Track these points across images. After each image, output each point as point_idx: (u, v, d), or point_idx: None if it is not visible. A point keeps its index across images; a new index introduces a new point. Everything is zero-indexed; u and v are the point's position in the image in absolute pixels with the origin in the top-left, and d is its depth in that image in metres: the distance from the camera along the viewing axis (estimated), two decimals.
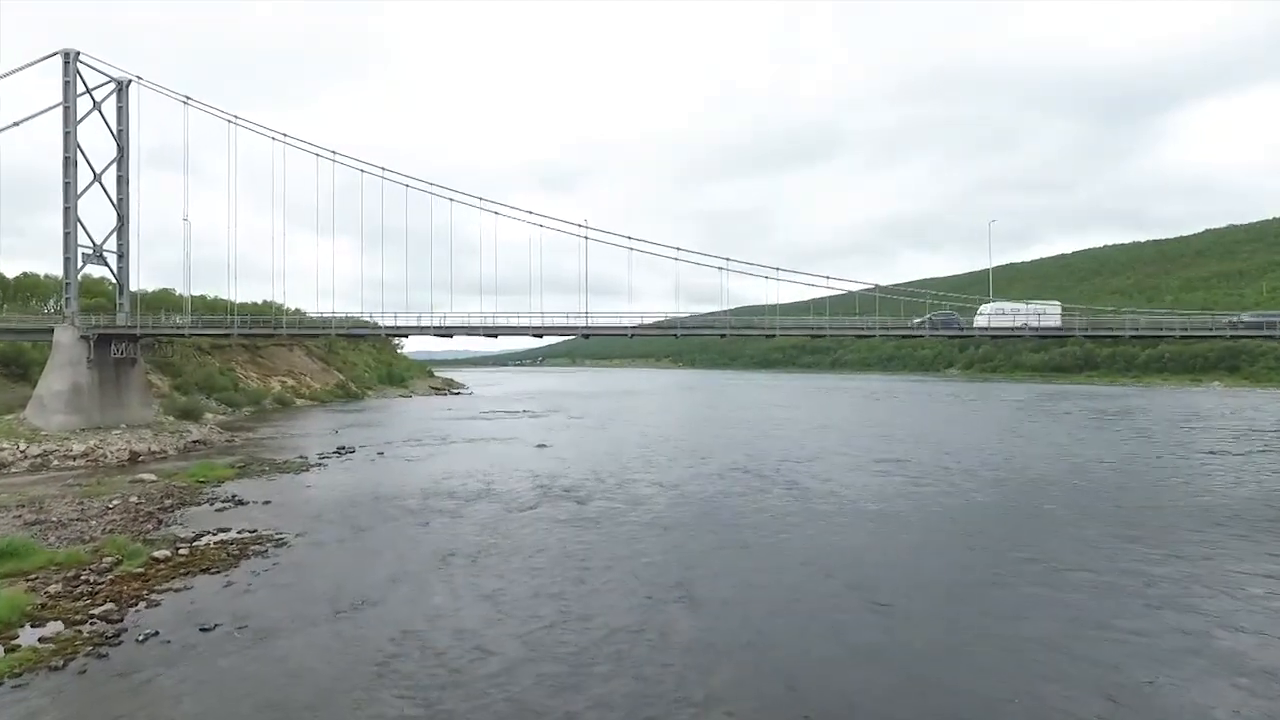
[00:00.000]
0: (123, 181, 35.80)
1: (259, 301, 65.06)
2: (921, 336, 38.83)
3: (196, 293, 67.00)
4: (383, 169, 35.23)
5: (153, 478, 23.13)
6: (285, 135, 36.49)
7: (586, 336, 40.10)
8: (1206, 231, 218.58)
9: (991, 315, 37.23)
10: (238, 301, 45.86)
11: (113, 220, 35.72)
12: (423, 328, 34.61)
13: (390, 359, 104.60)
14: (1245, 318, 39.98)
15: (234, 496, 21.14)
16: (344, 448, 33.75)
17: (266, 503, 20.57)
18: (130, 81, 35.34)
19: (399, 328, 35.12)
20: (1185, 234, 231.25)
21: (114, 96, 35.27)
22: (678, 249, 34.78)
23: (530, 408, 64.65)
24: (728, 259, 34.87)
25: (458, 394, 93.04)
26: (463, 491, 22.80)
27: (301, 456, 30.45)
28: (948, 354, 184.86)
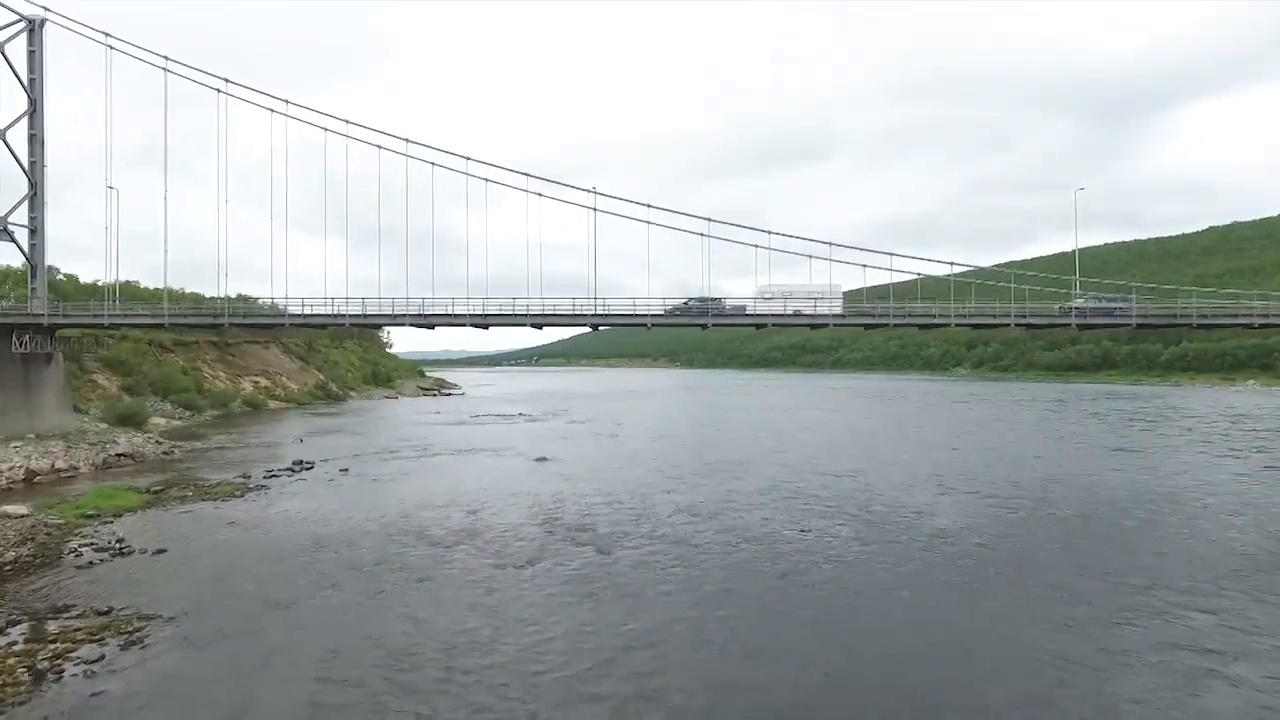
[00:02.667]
0: (36, 142, 29.78)
1: (251, 298, 58.96)
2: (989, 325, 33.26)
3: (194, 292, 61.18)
4: (345, 121, 29.31)
5: (22, 511, 17.16)
6: (285, 101, 30.60)
7: (596, 328, 34.30)
8: (1210, 229, 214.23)
9: (759, 297, 33.57)
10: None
11: (23, 188, 29.71)
12: (396, 317, 28.73)
13: (377, 358, 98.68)
14: (1079, 303, 34.25)
15: (119, 542, 15.21)
16: (302, 462, 27.82)
17: (160, 552, 14.68)
18: (44, 20, 29.32)
19: (369, 316, 29.20)
20: (1188, 231, 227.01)
21: (24, 38, 29.27)
22: (708, 219, 28.97)
23: (527, 411, 58.74)
24: (770, 232, 29.05)
25: (449, 395, 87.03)
26: (438, 532, 16.92)
27: (244, 475, 24.51)
28: (955, 353, 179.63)
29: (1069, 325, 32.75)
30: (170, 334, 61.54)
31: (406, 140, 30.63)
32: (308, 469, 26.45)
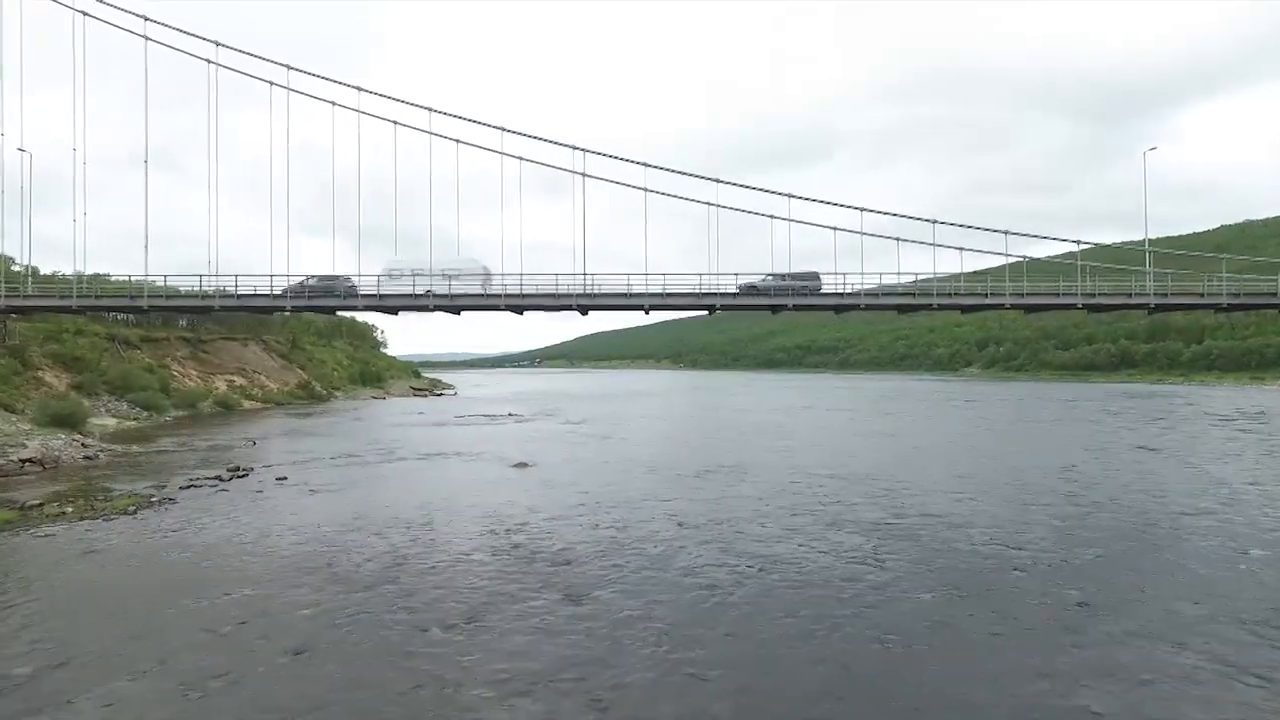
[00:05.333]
0: None
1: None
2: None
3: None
4: (287, 68, 25.39)
5: None
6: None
7: (584, 311, 30.32)
8: (1222, 227, 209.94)
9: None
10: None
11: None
12: (348, 301, 24.77)
13: (368, 357, 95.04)
14: (757, 280, 30.44)
15: None
16: (240, 469, 23.89)
17: None
18: None
19: (314, 300, 25.23)
20: (1200, 230, 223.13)
21: None
22: (717, 180, 25.06)
23: (518, 411, 54.73)
24: (789, 195, 25.10)
25: (440, 395, 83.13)
26: (358, 562, 12.95)
27: (159, 486, 20.59)
28: (965, 353, 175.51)
29: (1146, 306, 29.08)
30: (138, 329, 57.97)
31: (396, 124, 26.97)
32: (240, 477, 22.50)
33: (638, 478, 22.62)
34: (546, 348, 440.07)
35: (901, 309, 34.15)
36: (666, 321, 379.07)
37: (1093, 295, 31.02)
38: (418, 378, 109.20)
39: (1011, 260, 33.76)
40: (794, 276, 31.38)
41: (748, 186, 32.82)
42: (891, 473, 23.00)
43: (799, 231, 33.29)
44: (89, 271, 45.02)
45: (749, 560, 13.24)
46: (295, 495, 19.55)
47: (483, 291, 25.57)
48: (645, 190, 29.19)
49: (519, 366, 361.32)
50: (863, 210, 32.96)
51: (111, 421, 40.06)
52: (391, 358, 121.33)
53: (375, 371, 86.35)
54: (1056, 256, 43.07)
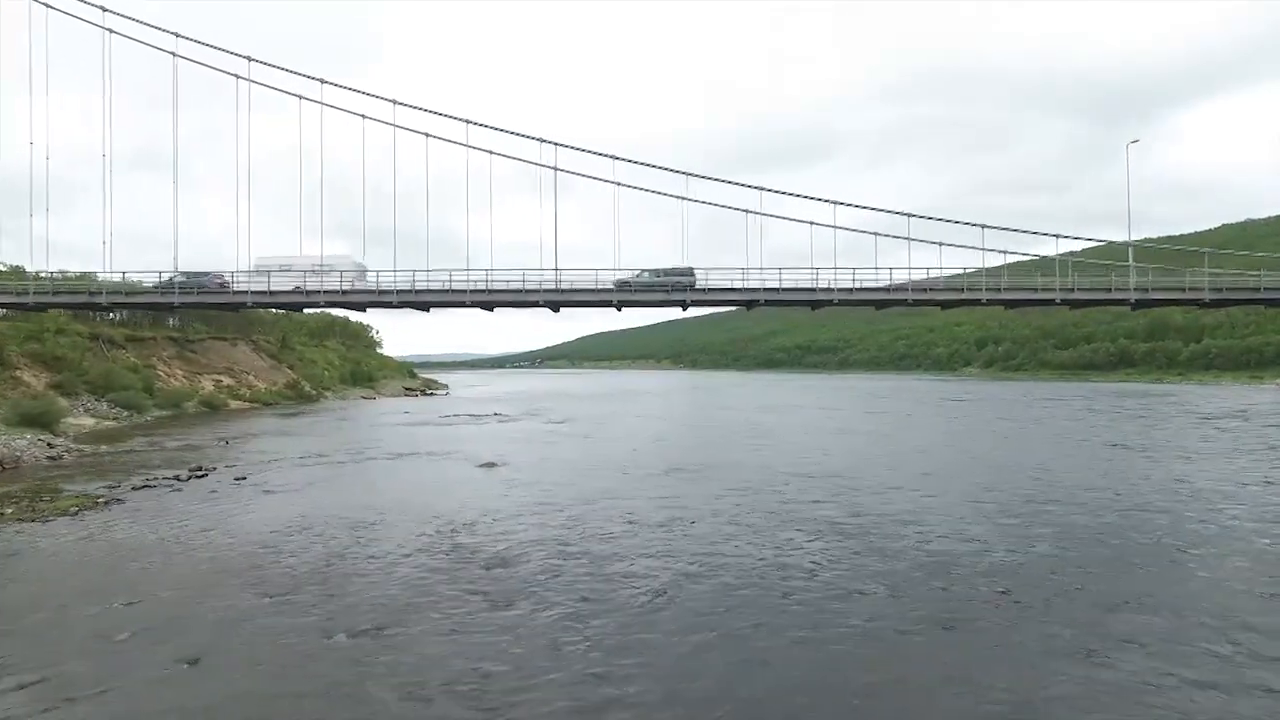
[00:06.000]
0: None
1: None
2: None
3: None
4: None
5: None
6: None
7: (555, 308, 29.90)
8: (1224, 226, 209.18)
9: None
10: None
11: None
12: (311, 296, 24.36)
13: (360, 357, 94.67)
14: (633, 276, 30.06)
15: None
16: (202, 469, 23.57)
17: None
18: None
19: (275, 294, 24.86)
20: (1200, 230, 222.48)
21: None
22: (703, 176, 24.75)
23: (505, 410, 54.40)
24: (779, 191, 24.74)
25: (431, 395, 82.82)
26: (292, 570, 12.59)
27: (113, 486, 20.27)
28: (964, 353, 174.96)
29: (1126, 303, 28.69)
30: (123, 329, 57.77)
31: (394, 124, 26.62)
32: (199, 477, 22.15)
33: (602, 477, 22.23)
34: (548, 348, 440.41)
35: (878, 304, 33.71)
36: (667, 322, 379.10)
37: (1071, 291, 30.65)
38: (412, 378, 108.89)
39: (1012, 259, 33.51)
40: (667, 273, 31.09)
41: (739, 184, 32.67)
42: (858, 471, 22.59)
43: (796, 230, 33.25)
44: (85, 271, 44.72)
45: (690, 560, 12.86)
46: (248, 496, 19.19)
47: (410, 287, 25.24)
48: (616, 184, 28.84)
49: (519, 367, 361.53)
50: (862, 207, 32.94)
51: (89, 421, 39.78)
52: (387, 358, 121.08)
53: (367, 371, 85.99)
54: (1062, 255, 42.53)
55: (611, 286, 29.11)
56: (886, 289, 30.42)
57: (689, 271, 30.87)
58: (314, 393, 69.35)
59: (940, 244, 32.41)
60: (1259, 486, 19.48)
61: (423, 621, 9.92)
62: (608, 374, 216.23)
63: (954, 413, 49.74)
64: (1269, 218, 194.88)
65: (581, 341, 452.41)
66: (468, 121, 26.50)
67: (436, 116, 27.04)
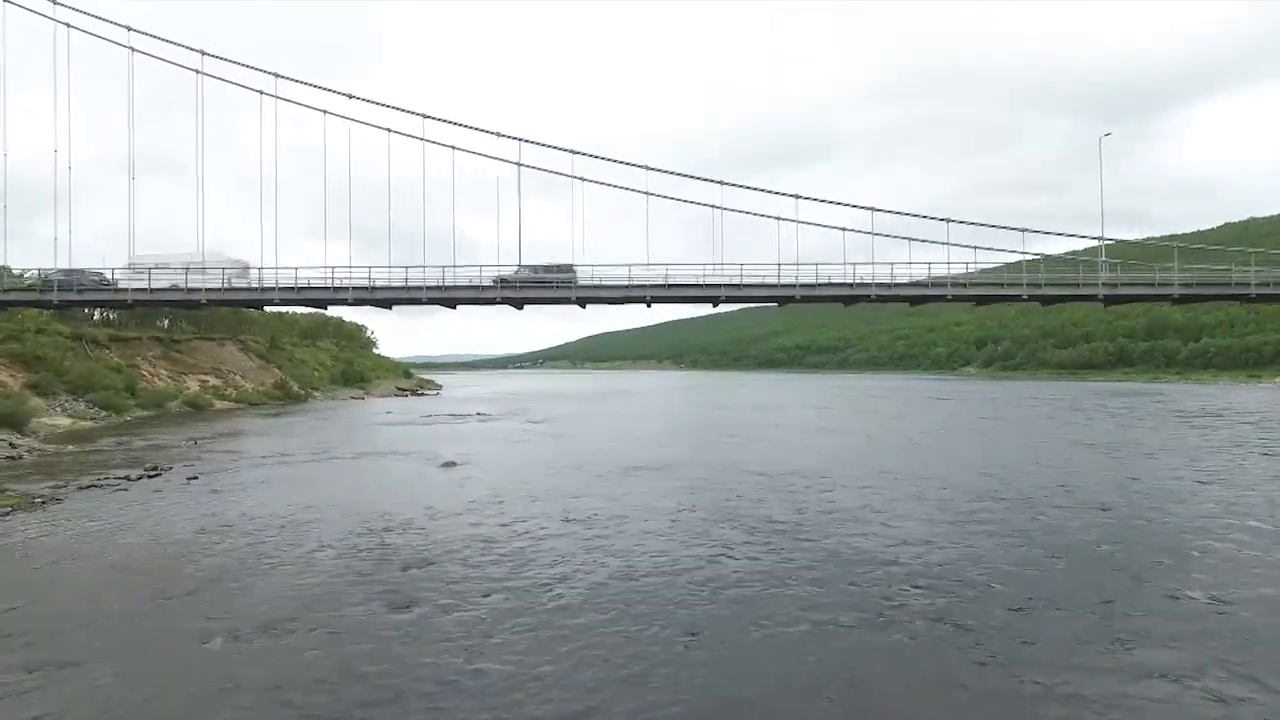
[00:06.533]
0: None
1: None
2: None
3: None
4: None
5: None
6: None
7: (520, 306, 29.68)
8: (1225, 225, 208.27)
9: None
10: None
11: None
12: (234, 292, 24.07)
13: (352, 357, 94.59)
14: (508, 273, 30.09)
15: None
16: (158, 469, 23.36)
17: None
18: None
19: (218, 290, 24.61)
20: (1202, 229, 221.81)
21: None
22: (721, 182, 24.62)
23: (488, 410, 54.19)
24: (795, 195, 24.66)
25: (422, 395, 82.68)
26: (201, 571, 12.36)
27: (60, 486, 20.04)
28: (964, 353, 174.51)
29: (1094, 298, 28.39)
30: (108, 329, 57.74)
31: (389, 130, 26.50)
32: (151, 477, 21.93)
33: (559, 476, 21.95)
34: (550, 349, 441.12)
35: (913, 300, 33.84)
36: (668, 322, 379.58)
37: (1039, 286, 30.39)
38: (407, 378, 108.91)
39: (1012, 259, 33.58)
40: (546, 269, 31.10)
41: (750, 187, 33.32)
42: (817, 469, 22.26)
43: (805, 230, 33.65)
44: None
45: (621, 559, 12.56)
46: (192, 496, 18.95)
47: (310, 285, 25.16)
48: (611, 187, 28.93)
49: (521, 367, 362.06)
50: (872, 209, 33.12)
51: (65, 421, 39.65)
52: (383, 358, 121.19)
53: (359, 372, 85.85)
54: (1063, 254, 42.39)
55: (491, 283, 29.27)
56: (925, 284, 30.44)
57: (569, 268, 31.00)
58: (302, 393, 69.25)
59: (911, 240, 32.32)
60: (1205, 482, 19.10)
61: (312, 622, 9.65)
62: (607, 374, 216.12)
63: (936, 412, 49.37)
64: (1271, 216, 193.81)
65: (584, 342, 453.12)
66: (498, 134, 26.85)
67: (465, 129, 27.45)
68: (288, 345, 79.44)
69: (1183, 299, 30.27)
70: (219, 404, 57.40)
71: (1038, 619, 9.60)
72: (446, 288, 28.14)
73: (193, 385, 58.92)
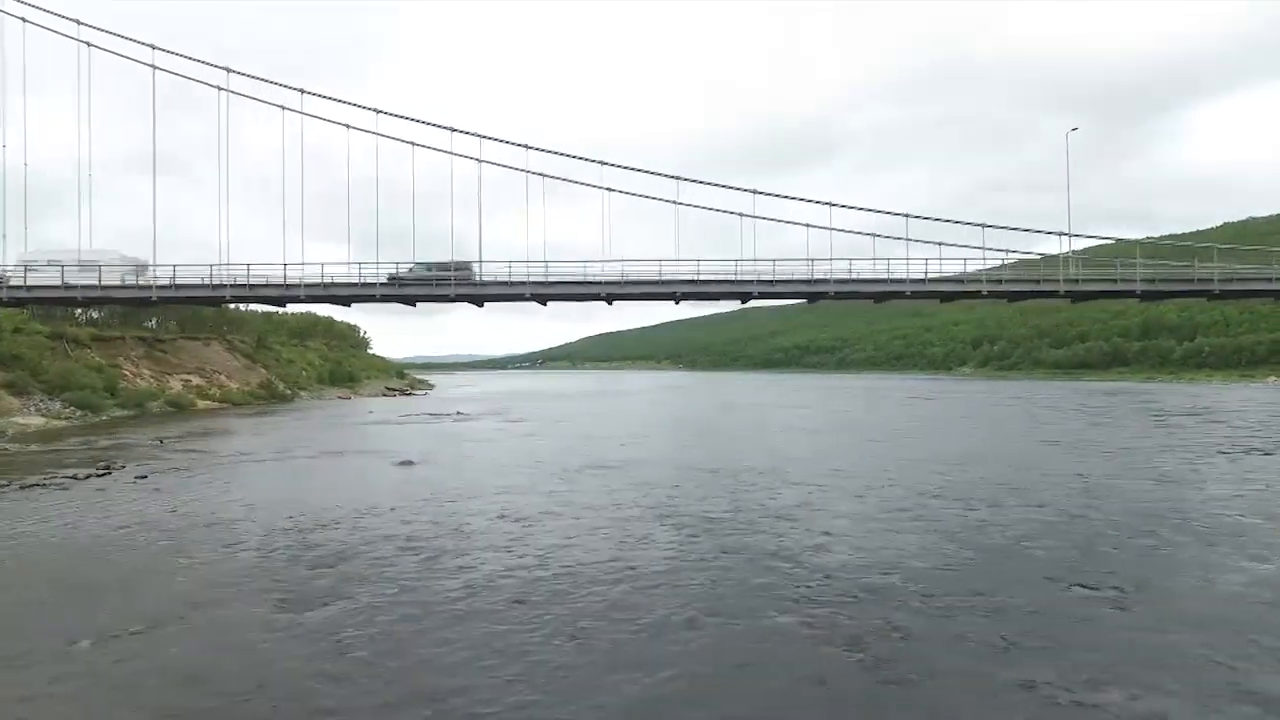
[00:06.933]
0: None
1: None
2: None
3: None
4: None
5: None
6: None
7: (479, 303, 29.58)
8: (1225, 225, 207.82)
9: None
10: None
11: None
12: (139, 290, 23.86)
13: (342, 357, 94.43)
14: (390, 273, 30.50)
15: None
16: (109, 467, 23.21)
17: None
18: None
19: (132, 287, 24.47)
20: (1201, 228, 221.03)
21: None
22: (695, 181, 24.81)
23: (469, 410, 54.01)
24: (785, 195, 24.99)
25: (411, 395, 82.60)
26: (94, 570, 12.21)
27: (2, 486, 19.90)
28: (960, 352, 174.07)
29: (1054, 294, 28.32)
30: (89, 329, 57.69)
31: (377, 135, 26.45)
32: (100, 475, 21.75)
33: (512, 474, 21.73)
34: (550, 349, 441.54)
35: (945, 296, 34.08)
36: (667, 323, 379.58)
37: (1076, 282, 30.24)
38: (400, 378, 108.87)
39: (1014, 259, 33.88)
40: (440, 266, 31.33)
41: (732, 187, 33.79)
42: (773, 466, 22.03)
43: (790, 231, 34.05)
44: None
45: (536, 556, 12.35)
46: (131, 495, 18.76)
47: (151, 283, 25.21)
48: (551, 179, 28.72)
49: (521, 368, 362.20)
50: (907, 216, 33.79)
51: (39, 420, 39.59)
52: (377, 357, 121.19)
53: (348, 371, 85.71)
54: (1065, 253, 42.44)
55: (384, 281, 29.55)
56: (885, 281, 30.58)
57: (465, 265, 31.39)
58: (289, 393, 69.16)
59: (940, 244, 32.49)
60: (1148, 479, 18.86)
61: (193, 621, 9.48)
62: (604, 374, 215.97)
63: (912, 411, 49.13)
64: (1270, 215, 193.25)
65: (585, 342, 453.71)
66: (451, 130, 26.96)
67: (423, 125, 27.71)
68: (275, 345, 79.33)
69: (1223, 294, 30.31)
70: (202, 404, 57.28)
71: (918, 616, 9.38)
72: (328, 285, 28.45)
73: (176, 385, 58.81)
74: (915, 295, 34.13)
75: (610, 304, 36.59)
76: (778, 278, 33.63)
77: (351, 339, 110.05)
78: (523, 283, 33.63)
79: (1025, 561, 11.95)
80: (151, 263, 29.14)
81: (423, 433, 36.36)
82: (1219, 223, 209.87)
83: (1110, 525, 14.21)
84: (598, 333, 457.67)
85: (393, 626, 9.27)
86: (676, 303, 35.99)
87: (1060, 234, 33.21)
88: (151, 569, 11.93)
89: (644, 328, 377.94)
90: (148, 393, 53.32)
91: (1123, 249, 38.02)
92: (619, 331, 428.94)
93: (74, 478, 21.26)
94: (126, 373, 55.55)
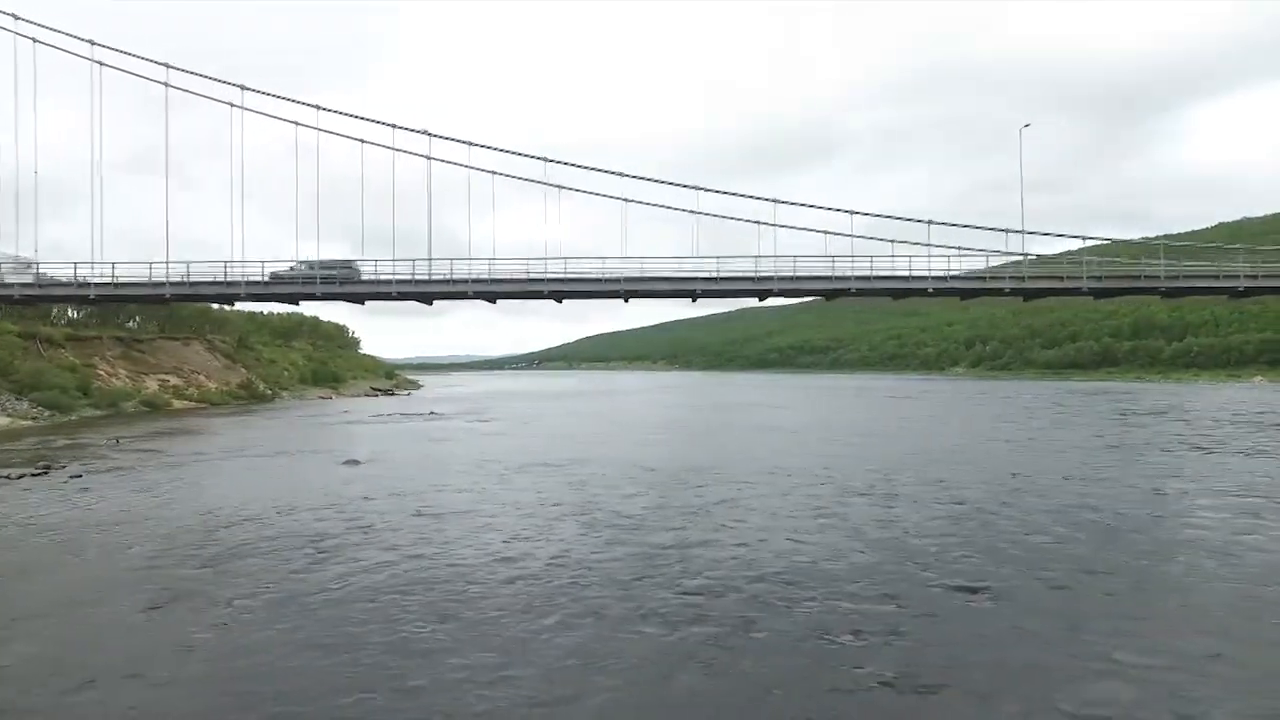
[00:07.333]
0: None
1: None
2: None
3: None
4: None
5: None
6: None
7: (295, 301, 29.63)
8: (1220, 225, 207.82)
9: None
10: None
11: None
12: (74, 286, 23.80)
13: (328, 357, 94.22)
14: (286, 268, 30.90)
15: None
16: (47, 468, 23.02)
17: None
18: None
19: (58, 285, 24.37)
20: (1196, 229, 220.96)
21: None
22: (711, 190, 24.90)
23: (445, 409, 53.86)
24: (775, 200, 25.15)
25: (394, 395, 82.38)
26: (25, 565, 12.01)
27: None
28: (953, 353, 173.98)
29: (1000, 291, 28.31)
30: (65, 329, 57.55)
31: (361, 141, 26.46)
32: (37, 475, 21.57)
33: (450, 473, 21.56)
34: (549, 349, 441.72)
35: (964, 294, 34.29)
36: (664, 323, 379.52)
37: (944, 280, 30.28)
38: (388, 378, 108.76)
39: (1016, 259, 34.09)
40: (325, 265, 31.49)
41: (745, 195, 34.36)
42: (717, 465, 21.87)
43: (798, 234, 34.34)
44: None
45: (438, 551, 12.16)
46: (57, 496, 18.50)
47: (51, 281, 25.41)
48: (566, 189, 29.12)
49: (518, 368, 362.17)
50: (929, 223, 33.97)
51: (3, 421, 39.43)
52: (366, 357, 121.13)
53: (331, 371, 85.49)
54: (1064, 253, 42.57)
55: (267, 279, 29.88)
56: (905, 278, 30.80)
57: (348, 264, 31.77)
58: (269, 393, 68.94)
59: (951, 247, 32.68)
60: (1087, 478, 18.68)
61: (64, 619, 9.32)
62: (598, 375, 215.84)
63: (885, 411, 48.95)
64: (1264, 216, 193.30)
65: (582, 343, 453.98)
66: (468, 143, 27.51)
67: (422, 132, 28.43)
68: (258, 345, 79.14)
69: (1091, 292, 30.58)
70: (178, 404, 57.08)
71: (771, 611, 9.21)
72: (193, 283, 28.92)
73: (152, 385, 58.60)
74: (938, 292, 34.44)
75: (627, 301, 36.87)
76: (798, 274, 33.92)
77: (339, 339, 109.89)
78: (540, 279, 34.15)
79: (906, 557, 11.76)
80: (37, 261, 29.80)
81: (385, 432, 36.19)
82: (1213, 222, 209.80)
83: (1016, 523, 14.03)
84: (596, 333, 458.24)
85: (246, 623, 9.09)
86: (694, 300, 36.16)
87: (1057, 235, 33.28)
88: (33, 568, 11.75)
89: (642, 328, 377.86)
90: (122, 392, 53.12)
91: (1109, 249, 38.48)
92: (617, 332, 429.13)
93: (6, 478, 21.07)
94: (101, 372, 55.36)
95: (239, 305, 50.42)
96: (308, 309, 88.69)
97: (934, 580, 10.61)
